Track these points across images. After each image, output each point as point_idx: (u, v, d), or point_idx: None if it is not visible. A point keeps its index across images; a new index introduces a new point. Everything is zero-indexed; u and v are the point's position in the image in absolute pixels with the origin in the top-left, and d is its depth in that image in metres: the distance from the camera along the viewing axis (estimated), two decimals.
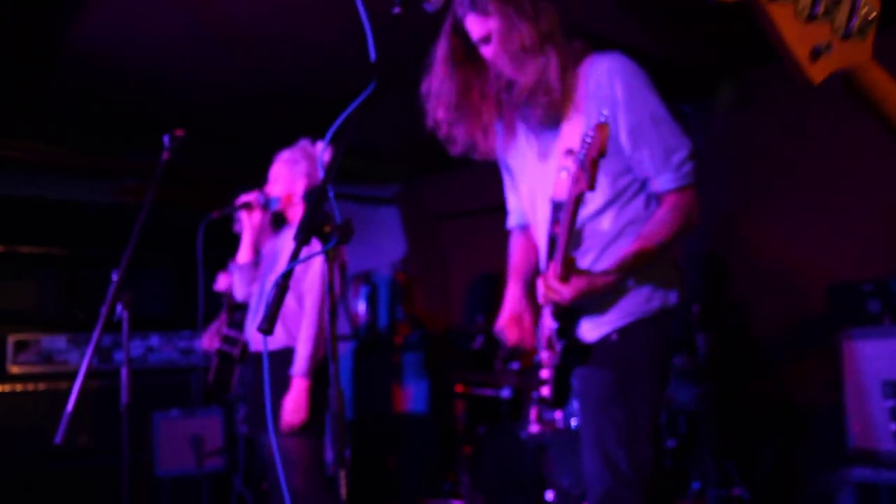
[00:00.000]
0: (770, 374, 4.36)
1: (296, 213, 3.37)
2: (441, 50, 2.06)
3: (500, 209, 2.46)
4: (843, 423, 3.36)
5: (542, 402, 2.04)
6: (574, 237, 1.88)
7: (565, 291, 1.84)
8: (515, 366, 4.46)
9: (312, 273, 3.15)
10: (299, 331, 3.16)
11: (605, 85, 1.92)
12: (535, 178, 2.11)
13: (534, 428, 3.88)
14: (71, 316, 5.27)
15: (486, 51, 1.98)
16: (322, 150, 1.80)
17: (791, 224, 4.29)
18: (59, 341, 5.09)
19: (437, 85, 2.06)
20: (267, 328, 1.50)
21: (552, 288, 1.87)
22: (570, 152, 1.91)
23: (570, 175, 1.81)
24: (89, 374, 2.46)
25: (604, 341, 1.97)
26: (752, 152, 4.49)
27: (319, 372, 3.11)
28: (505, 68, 1.95)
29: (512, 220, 2.41)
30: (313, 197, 1.61)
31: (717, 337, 4.28)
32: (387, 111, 4.16)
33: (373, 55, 1.72)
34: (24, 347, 5.00)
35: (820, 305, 3.92)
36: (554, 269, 1.87)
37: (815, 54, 0.83)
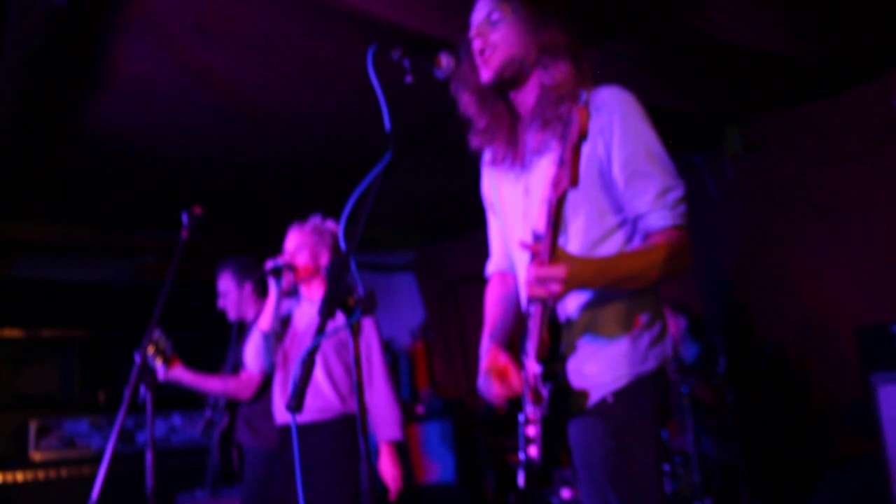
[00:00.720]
0: (803, 422, 4.25)
1: (314, 285, 3.37)
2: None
3: None
4: (886, 471, 3.25)
5: (529, 464, 1.82)
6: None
7: (558, 270, 1.63)
8: None
9: (366, 342, 3.17)
10: (352, 397, 3.17)
11: (603, 115, 1.84)
12: (520, 216, 2.00)
13: (566, 493, 3.78)
14: (93, 398, 5.24)
15: (480, 42, 1.92)
16: (342, 223, 1.78)
17: (812, 268, 4.25)
18: (81, 425, 5.07)
19: (464, 79, 2.02)
20: (296, 406, 1.47)
21: (542, 275, 1.64)
22: (561, 161, 1.81)
23: (551, 180, 1.65)
24: (112, 458, 2.44)
25: (600, 405, 1.83)
26: (767, 199, 4.48)
27: (353, 447, 3.10)
28: (498, 63, 1.91)
29: (490, 266, 2.23)
30: (335, 269, 1.60)
31: (746, 389, 4.19)
32: (401, 178, 4.21)
33: (387, 125, 1.73)
34: (46, 432, 4.98)
35: (848, 349, 3.85)
36: (539, 262, 1.66)
37: None
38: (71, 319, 5.44)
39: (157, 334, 3.58)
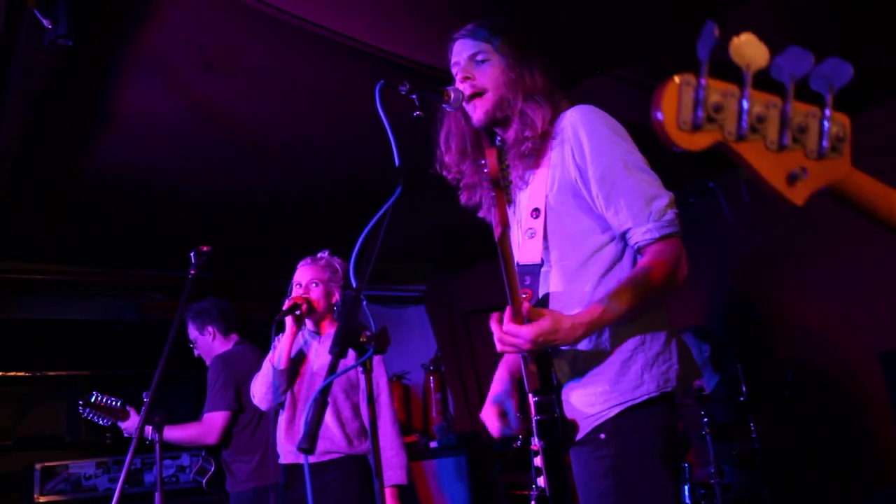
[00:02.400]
0: (829, 450, 4.15)
1: (325, 322, 3.33)
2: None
3: None
4: None
5: (542, 496, 1.74)
6: (518, 290, 1.66)
7: (524, 332, 1.60)
8: None
9: (374, 381, 3.09)
10: (359, 439, 3.15)
11: (571, 137, 1.80)
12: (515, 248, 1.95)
13: None
14: (100, 439, 5.16)
15: (469, 87, 1.88)
16: (352, 257, 1.73)
17: (833, 291, 4.18)
18: (87, 467, 4.97)
19: (445, 133, 2.01)
20: (308, 448, 1.41)
21: (508, 331, 1.62)
22: (535, 211, 1.79)
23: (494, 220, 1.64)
24: (121, 499, 2.40)
25: (593, 439, 1.73)
26: (784, 221, 4.40)
27: (361, 489, 3.06)
28: (490, 106, 1.88)
29: None
30: (347, 307, 1.55)
31: (769, 416, 4.10)
32: (410, 210, 4.16)
33: (397, 159, 1.70)
34: (52, 475, 4.88)
35: (873, 374, 3.77)
36: (509, 312, 1.65)
37: (792, 179, 0.85)
38: (77, 359, 5.38)
39: (93, 397, 3.57)
